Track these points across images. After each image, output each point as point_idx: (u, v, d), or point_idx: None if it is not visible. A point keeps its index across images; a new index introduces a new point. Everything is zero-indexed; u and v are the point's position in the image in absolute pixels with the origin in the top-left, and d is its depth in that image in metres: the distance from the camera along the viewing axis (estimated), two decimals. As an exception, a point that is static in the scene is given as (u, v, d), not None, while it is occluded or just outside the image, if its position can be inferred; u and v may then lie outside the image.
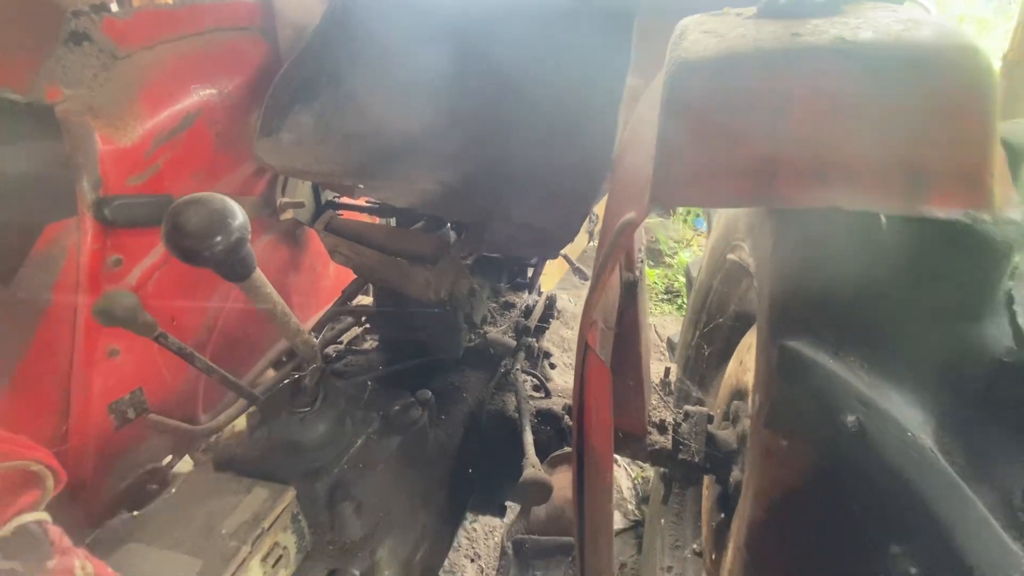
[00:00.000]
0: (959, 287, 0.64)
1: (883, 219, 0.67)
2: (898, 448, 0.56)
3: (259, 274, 0.74)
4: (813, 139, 0.56)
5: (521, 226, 1.11)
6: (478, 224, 1.13)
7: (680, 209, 4.36)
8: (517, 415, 1.25)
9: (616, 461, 2.38)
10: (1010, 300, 0.63)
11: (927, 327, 0.64)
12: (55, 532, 0.44)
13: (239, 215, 0.64)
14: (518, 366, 1.39)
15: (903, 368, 0.63)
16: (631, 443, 1.16)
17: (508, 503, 1.36)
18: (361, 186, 1.14)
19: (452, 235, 1.24)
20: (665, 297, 3.63)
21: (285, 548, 0.79)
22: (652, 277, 3.78)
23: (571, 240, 1.10)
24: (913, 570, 0.54)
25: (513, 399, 1.33)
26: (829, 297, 0.68)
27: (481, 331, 1.37)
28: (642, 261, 1.24)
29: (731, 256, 1.21)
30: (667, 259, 3.97)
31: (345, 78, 1.24)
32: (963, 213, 0.51)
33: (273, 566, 0.76)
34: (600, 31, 1.06)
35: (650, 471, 2.27)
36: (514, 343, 1.38)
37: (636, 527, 2.06)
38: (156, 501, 0.83)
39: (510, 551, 1.11)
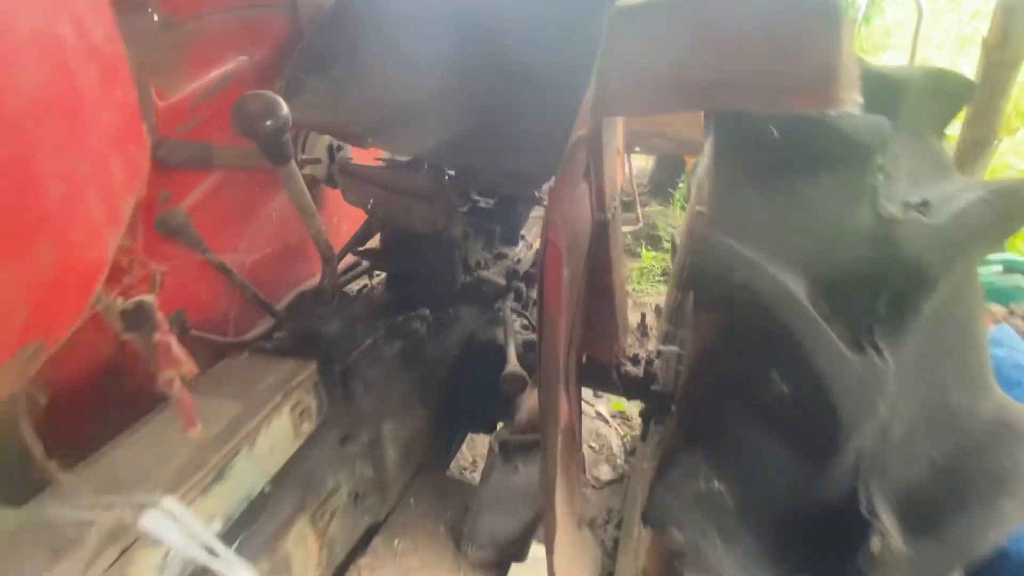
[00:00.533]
0: (833, 181, 0.82)
1: (775, 131, 0.85)
2: (776, 298, 0.73)
3: (294, 166, 0.94)
4: (710, 62, 0.75)
5: (504, 169, 1.30)
6: (469, 168, 1.32)
7: (678, 196, 4.54)
8: (505, 342, 1.43)
9: (607, 421, 2.55)
10: (873, 191, 0.80)
11: (808, 215, 0.81)
12: (159, 314, 0.63)
13: (284, 109, 0.85)
14: (508, 305, 1.58)
15: (786, 246, 0.80)
16: (603, 372, 1.33)
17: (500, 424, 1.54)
18: (370, 139, 1.34)
19: (447, 178, 1.44)
20: (661, 279, 3.81)
21: (307, 407, 0.98)
22: (648, 260, 3.96)
23: (547, 179, 1.28)
24: (785, 388, 0.72)
25: (503, 333, 1.51)
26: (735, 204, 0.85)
27: (475, 273, 1.56)
28: (616, 208, 1.41)
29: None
30: (665, 244, 4.14)
31: (357, 50, 1.44)
32: (816, 110, 0.70)
33: (299, 416, 0.95)
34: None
35: (638, 430, 2.43)
36: (504, 283, 1.56)
37: (623, 480, 2.23)
38: (201, 376, 1.02)
39: (496, 449, 1.29)
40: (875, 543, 0.63)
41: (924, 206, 0.74)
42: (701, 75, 0.77)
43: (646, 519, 0.74)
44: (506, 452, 1.28)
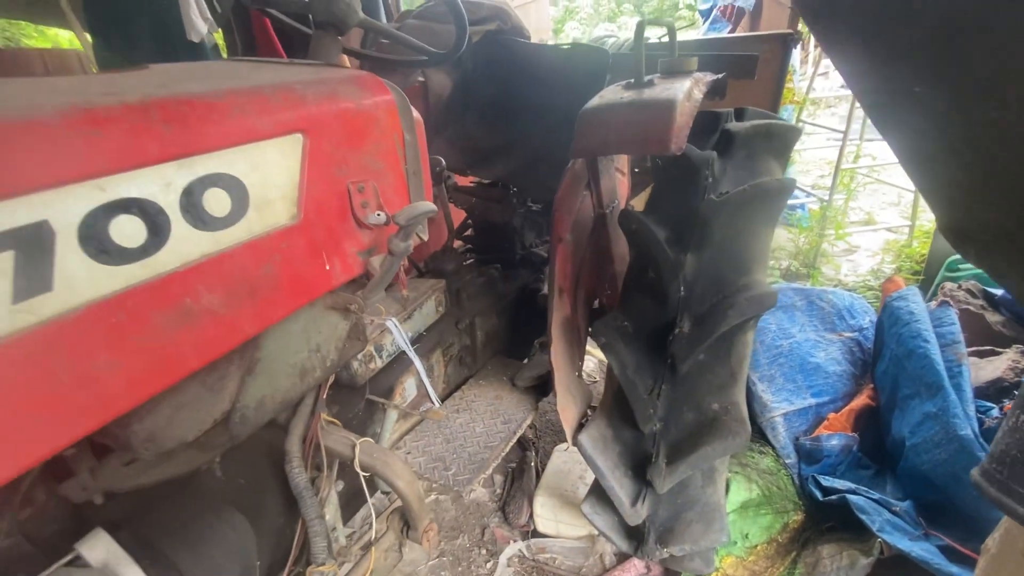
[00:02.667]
0: (687, 183, 1.70)
1: (660, 163, 1.76)
2: (651, 236, 1.64)
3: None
4: (616, 134, 1.67)
5: (545, 186, 2.28)
6: (524, 185, 2.33)
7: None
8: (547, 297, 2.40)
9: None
10: (704, 190, 1.67)
11: (675, 200, 1.70)
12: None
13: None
14: (548, 269, 2.55)
15: (666, 214, 1.69)
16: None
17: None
18: (469, 170, 2.39)
19: (512, 190, 2.45)
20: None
21: (441, 301, 1.99)
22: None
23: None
24: (652, 274, 1.63)
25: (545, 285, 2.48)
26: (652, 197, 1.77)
27: (527, 248, 2.56)
28: (615, 206, 2.33)
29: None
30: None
31: (459, 118, 2.50)
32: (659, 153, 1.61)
33: (437, 304, 1.96)
34: (588, 79, 2.20)
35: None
36: (546, 256, 2.54)
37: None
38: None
39: (539, 349, 2.24)
40: (680, 331, 1.50)
41: (724, 193, 1.62)
42: (612, 140, 1.71)
43: (591, 335, 1.67)
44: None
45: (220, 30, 2.83)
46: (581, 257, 2.13)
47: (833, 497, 1.98)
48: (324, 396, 1.22)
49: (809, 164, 6.94)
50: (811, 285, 4.07)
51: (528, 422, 1.94)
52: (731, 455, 2.40)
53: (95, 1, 2.76)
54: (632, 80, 1.66)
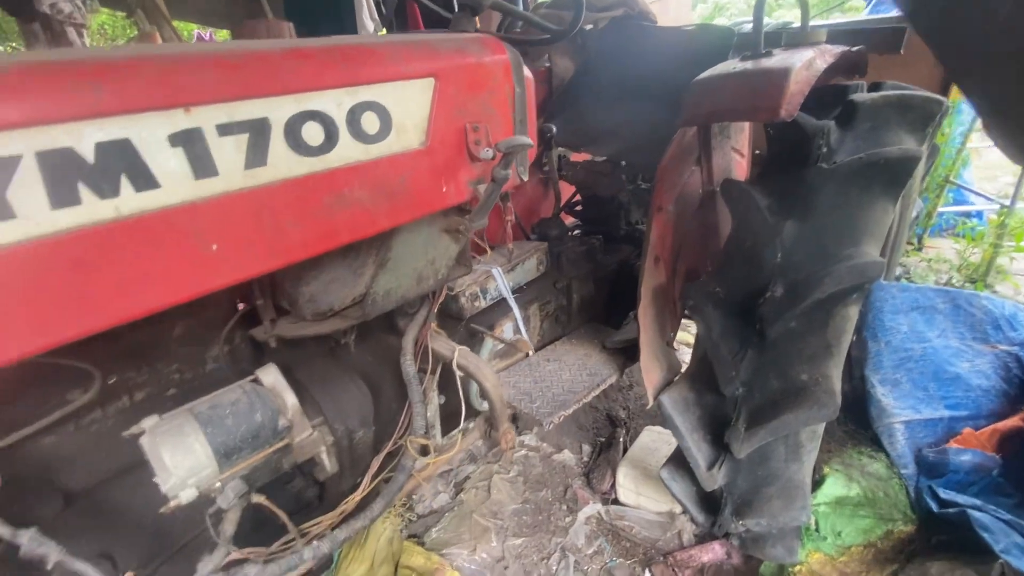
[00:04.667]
0: (797, 153, 1.66)
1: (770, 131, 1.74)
2: (752, 203, 1.65)
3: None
4: (726, 101, 1.70)
5: (655, 163, 2.35)
6: (633, 162, 2.42)
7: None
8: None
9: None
10: (816, 160, 1.63)
11: (785, 168, 1.69)
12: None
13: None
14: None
15: (769, 183, 1.68)
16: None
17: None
18: (582, 148, 2.55)
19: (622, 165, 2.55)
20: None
21: (542, 260, 2.18)
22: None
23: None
24: (748, 241, 1.65)
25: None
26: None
27: (632, 225, 2.63)
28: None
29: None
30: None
31: (577, 100, 2.66)
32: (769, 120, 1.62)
33: (538, 262, 2.15)
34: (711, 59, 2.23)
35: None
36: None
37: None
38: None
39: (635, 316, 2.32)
40: (771, 295, 1.50)
41: (834, 163, 1.58)
42: (723, 109, 1.74)
43: (680, 297, 1.73)
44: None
45: (384, 29, 3.36)
46: (684, 231, 2.17)
47: (951, 510, 1.77)
48: (435, 310, 1.47)
49: (995, 168, 5.88)
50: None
51: (613, 380, 2.04)
52: (835, 456, 2.25)
53: (294, 3, 3.46)
54: (749, 53, 1.68)
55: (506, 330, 1.96)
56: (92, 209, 0.72)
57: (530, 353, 1.97)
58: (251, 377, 1.13)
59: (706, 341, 1.64)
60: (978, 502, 1.77)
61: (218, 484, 1.00)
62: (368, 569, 2.20)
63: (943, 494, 1.86)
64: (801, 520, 1.63)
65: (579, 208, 2.78)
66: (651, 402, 1.86)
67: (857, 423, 2.34)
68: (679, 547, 2.30)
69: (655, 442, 2.68)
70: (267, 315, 1.17)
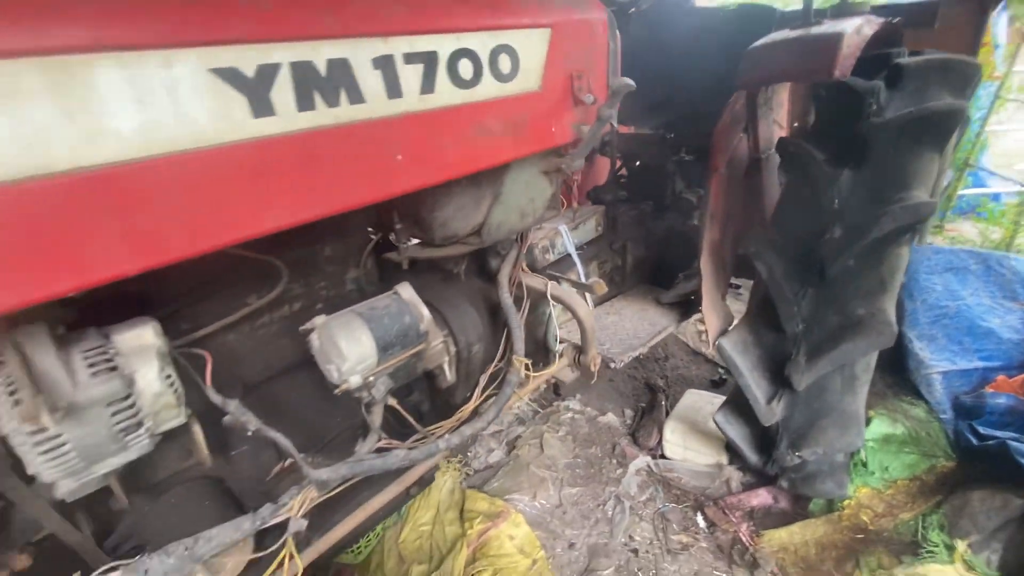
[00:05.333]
0: (848, 111, 1.82)
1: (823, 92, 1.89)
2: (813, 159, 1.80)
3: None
4: (782, 64, 1.86)
5: (700, 134, 2.51)
6: (681, 134, 2.58)
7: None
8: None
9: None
10: (869, 112, 1.79)
11: (838, 126, 1.83)
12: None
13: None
14: (697, 214, 2.76)
15: (829, 142, 1.84)
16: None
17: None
18: (629, 121, 2.71)
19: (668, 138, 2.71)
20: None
21: (599, 222, 2.34)
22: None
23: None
24: (808, 191, 1.80)
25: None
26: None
27: (678, 194, 2.79)
28: (771, 153, 2.46)
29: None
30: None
31: (626, 75, 2.82)
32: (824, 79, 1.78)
33: (596, 224, 2.31)
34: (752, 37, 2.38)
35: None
36: (694, 201, 2.75)
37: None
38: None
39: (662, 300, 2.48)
40: (830, 236, 1.65)
41: (886, 118, 1.72)
42: (782, 71, 1.90)
43: (740, 245, 1.88)
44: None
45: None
46: (734, 194, 2.32)
47: (991, 442, 1.92)
48: (524, 251, 1.64)
49: (1011, 156, 5.99)
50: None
51: (672, 330, 2.20)
52: (879, 403, 2.39)
53: None
54: (801, 22, 1.84)
55: (570, 284, 2.13)
56: (322, 113, 0.88)
57: (604, 290, 2.12)
58: (389, 292, 1.29)
59: (769, 280, 1.79)
60: (1015, 434, 1.92)
61: (372, 378, 1.16)
62: (435, 514, 2.39)
63: (982, 430, 2.00)
64: (857, 445, 1.78)
65: (623, 179, 2.94)
66: (711, 346, 2.01)
67: (897, 375, 2.48)
68: (728, 494, 2.45)
69: (697, 403, 2.83)
70: (401, 240, 1.33)
